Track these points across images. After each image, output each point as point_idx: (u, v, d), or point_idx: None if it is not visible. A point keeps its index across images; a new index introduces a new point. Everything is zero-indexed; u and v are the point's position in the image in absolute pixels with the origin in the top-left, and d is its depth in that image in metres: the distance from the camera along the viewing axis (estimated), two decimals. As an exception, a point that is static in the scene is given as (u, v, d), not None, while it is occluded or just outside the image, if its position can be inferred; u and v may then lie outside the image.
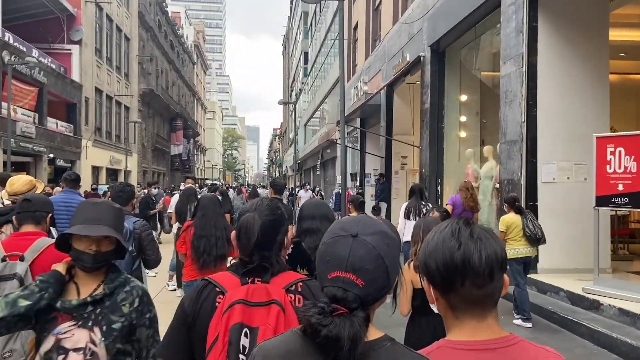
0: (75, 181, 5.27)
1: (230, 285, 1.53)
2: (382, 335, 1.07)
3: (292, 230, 3.88)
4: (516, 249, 6.01)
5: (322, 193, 15.24)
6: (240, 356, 1.44)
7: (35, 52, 21.37)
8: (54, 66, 22.94)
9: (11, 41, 19.41)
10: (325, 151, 27.86)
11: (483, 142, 10.77)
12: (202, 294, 1.55)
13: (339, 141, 22.26)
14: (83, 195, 7.19)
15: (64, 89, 23.84)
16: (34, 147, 20.34)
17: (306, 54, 43.10)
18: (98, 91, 29.09)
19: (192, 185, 8.57)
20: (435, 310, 1.19)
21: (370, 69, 16.39)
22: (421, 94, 11.24)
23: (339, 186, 18.12)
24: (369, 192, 17.26)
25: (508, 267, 5.41)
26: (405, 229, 6.59)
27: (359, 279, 1.03)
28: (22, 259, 2.42)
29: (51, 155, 21.65)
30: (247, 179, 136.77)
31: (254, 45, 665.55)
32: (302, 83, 43.67)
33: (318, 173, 31.92)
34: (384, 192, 14.21)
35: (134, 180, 35.90)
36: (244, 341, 1.45)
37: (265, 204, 1.65)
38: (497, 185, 8.99)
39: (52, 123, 22.85)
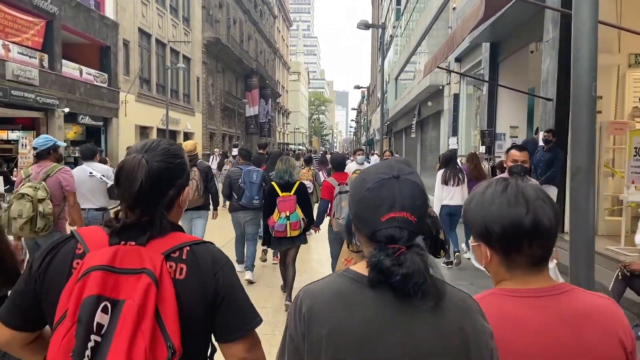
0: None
1: (97, 244, 1.23)
2: None
3: None
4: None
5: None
6: (93, 337, 1.11)
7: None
8: (75, -4, 17.89)
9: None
10: (425, 105, 20.62)
11: None
12: (54, 252, 1.26)
13: (453, 81, 15.03)
14: None
15: (89, 26, 18.79)
16: (38, 98, 15.45)
17: (399, -7, 35.44)
18: (144, 34, 23.98)
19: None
20: (482, 268, 1.24)
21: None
22: None
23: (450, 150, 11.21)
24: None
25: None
26: (445, 193, 7.05)
27: (413, 216, 1.06)
28: None
29: (66, 110, 16.73)
30: (335, 145, 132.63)
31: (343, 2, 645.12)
32: (394, 27, 36.08)
33: (413, 136, 24.50)
34: (553, 166, 7.28)
35: (199, 143, 31.06)
36: (102, 318, 1.13)
37: (162, 147, 1.30)
38: None
39: (72, 70, 17.96)
